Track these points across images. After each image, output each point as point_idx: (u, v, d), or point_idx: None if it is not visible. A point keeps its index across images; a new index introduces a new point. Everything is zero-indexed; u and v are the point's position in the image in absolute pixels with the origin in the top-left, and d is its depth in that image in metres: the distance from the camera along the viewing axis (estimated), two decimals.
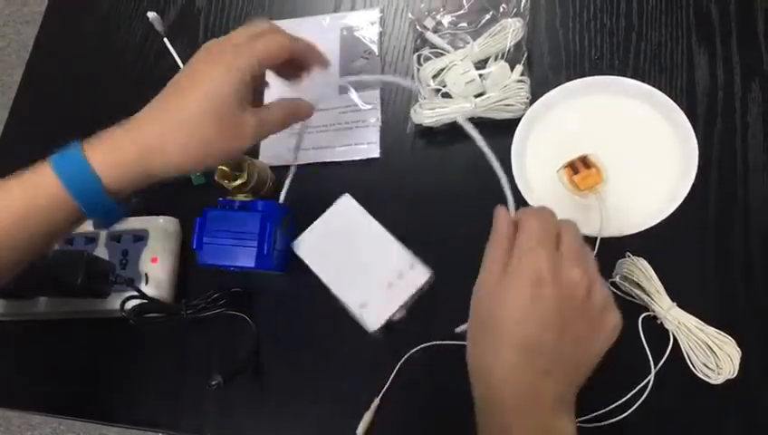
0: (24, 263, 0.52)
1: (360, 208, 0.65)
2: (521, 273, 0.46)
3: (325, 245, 0.64)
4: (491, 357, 0.47)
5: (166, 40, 0.82)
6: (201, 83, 0.52)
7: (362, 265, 0.61)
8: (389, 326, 0.60)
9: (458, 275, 0.64)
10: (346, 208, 0.65)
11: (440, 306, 0.62)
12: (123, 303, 0.61)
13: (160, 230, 0.68)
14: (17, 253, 0.51)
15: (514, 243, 0.48)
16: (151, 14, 0.82)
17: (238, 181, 0.65)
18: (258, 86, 0.58)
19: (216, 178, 0.67)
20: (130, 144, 0.51)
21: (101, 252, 0.67)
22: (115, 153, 0.50)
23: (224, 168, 0.66)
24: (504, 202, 0.53)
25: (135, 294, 0.61)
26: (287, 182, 0.67)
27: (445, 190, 0.68)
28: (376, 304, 0.60)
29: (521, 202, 0.62)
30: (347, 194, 0.65)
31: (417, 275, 0.60)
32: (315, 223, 0.65)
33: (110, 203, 0.50)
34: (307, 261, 0.63)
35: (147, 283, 0.65)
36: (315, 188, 0.68)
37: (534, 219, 0.49)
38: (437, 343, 0.61)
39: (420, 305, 0.63)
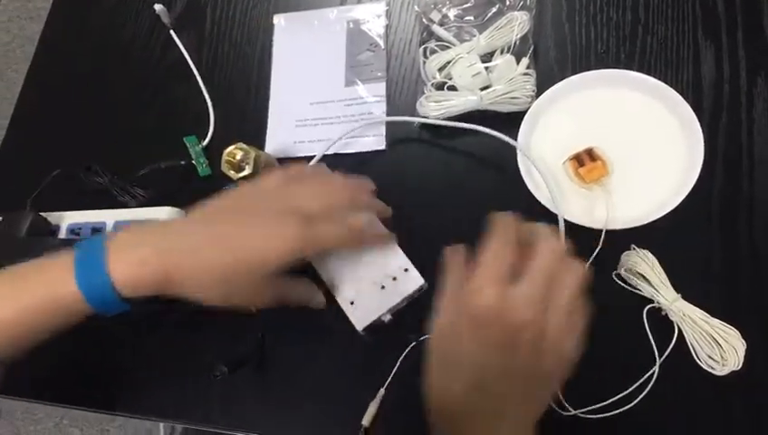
0: (22, 354, 0.52)
1: None
2: (468, 313, 0.45)
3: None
4: (445, 394, 0.48)
5: (172, 32, 0.82)
6: (249, 247, 0.51)
7: (359, 263, 0.61)
8: (375, 328, 0.61)
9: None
10: None
11: None
12: None
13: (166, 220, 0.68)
14: (17, 345, 0.52)
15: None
16: (158, 7, 0.82)
17: (244, 172, 0.66)
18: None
19: (221, 168, 0.67)
20: (156, 267, 0.50)
21: None
22: (139, 272, 0.50)
23: (230, 158, 0.66)
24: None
25: None
26: None
27: (449, 183, 0.69)
28: (365, 304, 0.60)
29: (526, 197, 0.63)
30: None
31: (410, 282, 0.60)
32: None
33: (124, 307, 0.51)
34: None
35: None
36: None
37: (489, 253, 0.47)
38: None
39: (426, 297, 0.63)
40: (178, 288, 0.51)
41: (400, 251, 0.61)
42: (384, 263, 0.60)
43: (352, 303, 0.59)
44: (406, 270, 0.60)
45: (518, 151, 0.64)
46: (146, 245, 0.51)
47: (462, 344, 0.46)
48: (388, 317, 0.59)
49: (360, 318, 0.59)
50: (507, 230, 0.48)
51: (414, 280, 0.60)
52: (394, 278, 0.60)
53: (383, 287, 0.60)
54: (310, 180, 0.57)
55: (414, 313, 0.61)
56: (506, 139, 0.64)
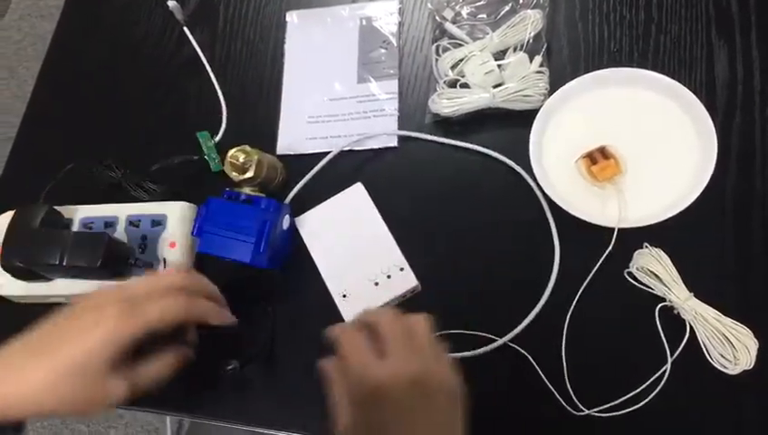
0: None
1: (369, 201, 0.65)
2: (366, 392, 0.47)
3: (326, 227, 0.65)
4: None
5: (185, 29, 0.82)
6: (73, 342, 0.49)
7: (356, 257, 0.62)
8: None
9: (472, 264, 0.65)
10: (355, 197, 0.66)
11: (453, 296, 0.62)
12: None
13: (178, 215, 0.68)
14: None
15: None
16: (171, 3, 0.82)
17: (246, 175, 0.66)
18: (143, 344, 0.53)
19: (225, 170, 0.67)
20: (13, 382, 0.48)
21: (121, 236, 0.67)
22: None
23: (233, 160, 0.66)
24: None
25: None
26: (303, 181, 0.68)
27: (461, 180, 0.69)
28: (357, 298, 0.61)
29: (539, 195, 0.63)
30: (359, 183, 0.66)
31: (404, 281, 0.61)
32: (322, 204, 0.66)
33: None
34: (305, 239, 0.65)
35: (165, 267, 0.66)
36: (331, 176, 0.69)
37: (347, 344, 0.50)
38: (453, 331, 0.61)
39: (433, 294, 0.63)
40: (16, 416, 0.49)
41: (397, 249, 0.62)
42: (380, 260, 0.61)
43: (344, 296, 0.61)
44: (401, 269, 0.61)
45: (530, 151, 0.64)
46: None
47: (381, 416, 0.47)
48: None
49: (350, 312, 0.60)
50: (350, 330, 0.52)
51: (408, 280, 0.61)
52: (389, 276, 0.61)
53: (377, 284, 0.61)
54: (138, 280, 0.55)
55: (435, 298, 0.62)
56: (511, 163, 0.67)
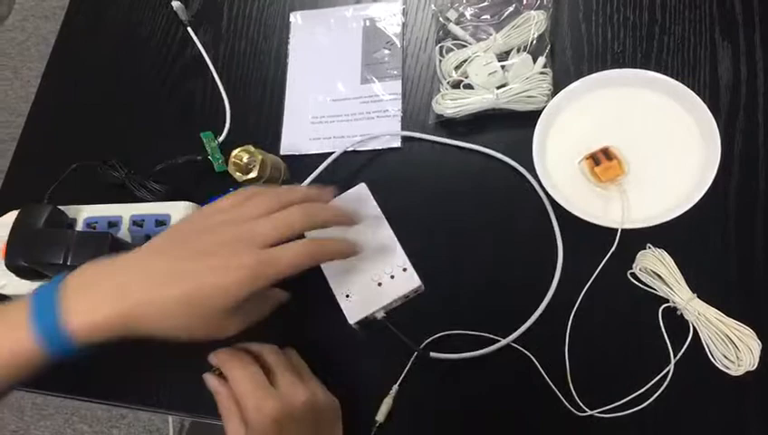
0: None
1: (373, 201, 0.65)
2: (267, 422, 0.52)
3: (331, 230, 0.63)
4: None
5: (189, 29, 0.83)
6: (206, 283, 0.50)
7: (359, 257, 0.61)
8: (368, 323, 0.61)
9: (475, 264, 0.65)
10: (359, 197, 0.65)
11: (455, 296, 0.62)
12: None
13: (182, 215, 0.68)
14: None
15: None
16: (176, 4, 0.83)
17: (249, 176, 0.66)
18: None
19: (228, 170, 0.67)
20: (112, 311, 0.49)
21: (124, 235, 0.67)
22: (94, 318, 0.48)
23: (236, 160, 0.66)
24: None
25: None
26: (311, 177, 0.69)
27: (465, 181, 0.69)
28: (360, 299, 0.61)
29: (542, 196, 0.63)
30: (363, 184, 0.66)
31: (407, 282, 0.61)
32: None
33: (87, 352, 0.50)
34: (308, 238, 0.63)
35: None
36: (334, 177, 0.69)
37: (238, 379, 0.54)
38: (457, 332, 0.62)
39: (435, 294, 0.64)
40: (136, 329, 0.49)
41: (401, 250, 0.62)
42: (384, 260, 0.61)
43: (348, 296, 0.61)
44: (404, 270, 0.61)
45: (533, 151, 0.64)
46: (99, 288, 0.50)
47: None
48: (381, 314, 0.60)
49: (353, 312, 0.60)
50: (242, 357, 0.56)
51: (411, 281, 0.61)
52: (392, 276, 0.61)
53: (380, 284, 0.61)
54: (264, 200, 0.55)
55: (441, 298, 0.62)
56: (514, 163, 0.67)
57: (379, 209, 0.65)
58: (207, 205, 0.56)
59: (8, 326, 0.49)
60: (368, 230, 0.64)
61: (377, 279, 0.61)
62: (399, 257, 0.62)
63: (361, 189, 0.66)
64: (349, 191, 0.66)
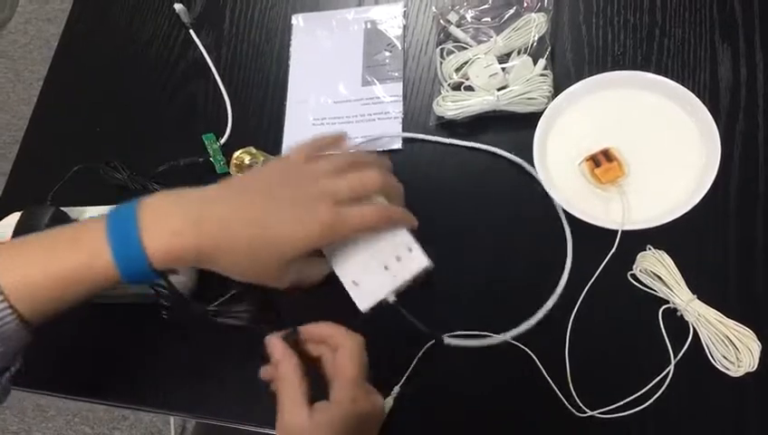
0: (50, 319, 0.52)
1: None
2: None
3: None
4: None
5: (191, 31, 0.83)
6: (279, 229, 0.52)
7: (363, 242, 0.59)
8: (381, 308, 0.59)
9: (476, 264, 0.65)
10: None
11: (458, 295, 0.63)
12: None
13: None
14: (44, 310, 0.51)
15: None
16: (178, 6, 0.83)
17: None
18: None
19: (230, 171, 0.68)
20: (189, 238, 0.50)
21: None
22: (172, 243, 0.50)
23: (238, 162, 0.67)
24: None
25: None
26: None
27: (466, 183, 0.69)
28: (369, 285, 0.58)
29: (542, 197, 0.63)
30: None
31: (414, 262, 0.58)
32: None
33: (155, 277, 0.51)
34: None
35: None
36: None
37: (356, 354, 0.53)
38: (460, 333, 0.62)
39: (445, 296, 0.64)
40: (204, 262, 0.51)
41: (405, 230, 0.59)
42: (388, 243, 0.59)
43: (356, 283, 0.58)
44: (410, 250, 0.58)
45: (534, 153, 0.64)
46: (179, 214, 0.50)
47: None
48: (392, 298, 0.58)
49: (363, 299, 0.58)
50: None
51: (418, 261, 0.58)
52: (398, 258, 0.58)
53: (386, 268, 0.58)
54: (338, 158, 0.57)
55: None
56: (518, 160, 0.67)
57: (380, 195, 0.61)
58: (280, 157, 0.58)
59: (85, 243, 0.50)
60: None
61: (383, 263, 0.58)
62: (404, 238, 0.59)
63: None
64: None
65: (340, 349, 0.53)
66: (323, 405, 0.51)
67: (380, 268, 0.58)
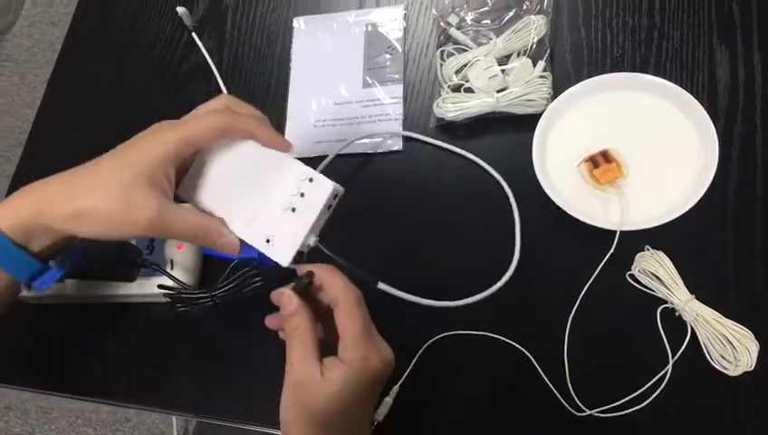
0: None
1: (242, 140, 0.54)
2: (368, 378, 0.50)
3: (212, 184, 0.55)
4: None
5: (194, 34, 0.84)
6: (120, 152, 0.51)
7: (259, 196, 0.53)
8: (302, 255, 0.54)
9: (473, 265, 0.65)
10: (227, 145, 0.55)
11: (452, 297, 0.63)
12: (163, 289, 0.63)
13: None
14: None
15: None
16: (180, 9, 0.84)
17: None
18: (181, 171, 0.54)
19: None
20: (32, 197, 0.49)
21: None
22: (16, 207, 0.49)
23: None
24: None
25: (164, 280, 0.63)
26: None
27: (466, 183, 0.70)
28: (282, 235, 0.52)
29: (541, 198, 0.63)
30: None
31: (320, 191, 0.52)
32: (194, 164, 0.56)
33: (26, 259, 0.49)
34: (199, 207, 0.55)
35: (172, 268, 0.67)
36: (337, 180, 0.69)
37: (356, 307, 0.51)
38: (459, 332, 0.62)
39: (442, 294, 0.64)
40: (54, 212, 0.48)
41: (296, 162, 0.53)
42: (284, 182, 0.53)
43: (268, 241, 0.53)
44: (311, 180, 0.52)
45: (533, 154, 0.65)
46: (28, 189, 0.50)
47: (358, 408, 0.50)
48: (313, 239, 0.52)
49: (282, 253, 0.52)
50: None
51: (323, 187, 0.52)
52: (302, 194, 0.52)
53: (294, 210, 0.52)
54: None
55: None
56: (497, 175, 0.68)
57: (250, 141, 0.54)
58: None
59: None
60: (252, 164, 0.54)
61: (288, 206, 0.52)
62: (300, 170, 0.53)
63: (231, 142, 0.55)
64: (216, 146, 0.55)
65: (338, 306, 0.51)
66: (334, 363, 0.49)
67: (288, 213, 0.52)
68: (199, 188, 0.55)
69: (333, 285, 0.52)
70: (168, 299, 0.64)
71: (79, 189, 0.49)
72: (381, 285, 0.55)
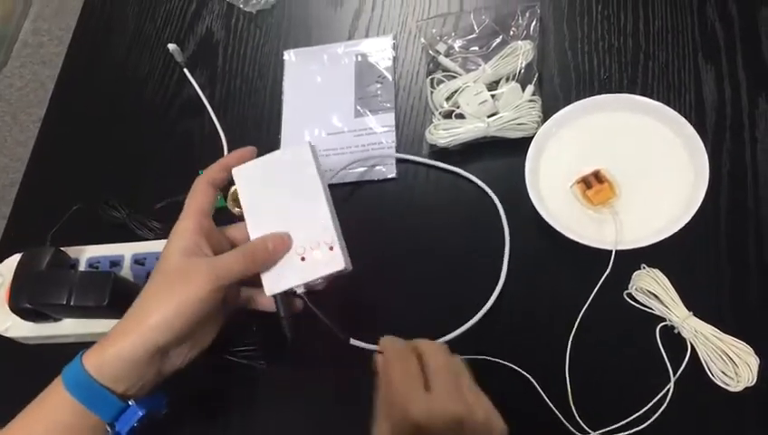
0: None
1: (313, 166, 0.57)
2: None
3: (265, 184, 0.58)
4: None
5: (186, 70, 0.84)
6: (162, 258, 0.54)
7: (286, 226, 0.56)
8: (287, 295, 0.57)
9: (471, 289, 0.65)
10: (298, 158, 0.58)
11: (448, 321, 0.63)
12: None
13: None
14: None
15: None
16: (171, 46, 0.85)
17: None
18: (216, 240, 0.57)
19: (227, 205, 0.68)
20: (111, 334, 0.52)
21: (126, 274, 0.68)
22: (101, 346, 0.52)
23: (235, 196, 0.67)
24: None
25: None
26: None
27: (460, 209, 0.70)
28: (280, 270, 0.55)
29: (536, 221, 0.64)
30: (309, 142, 0.59)
31: (332, 262, 0.55)
32: (264, 157, 0.59)
33: (119, 403, 0.52)
34: (241, 195, 0.58)
35: None
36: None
37: (397, 363, 0.51)
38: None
39: (431, 319, 0.64)
40: (131, 342, 0.51)
41: (331, 225, 0.56)
42: (312, 233, 0.56)
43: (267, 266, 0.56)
44: (331, 248, 0.55)
45: (526, 177, 0.65)
46: (106, 336, 0.52)
47: None
48: (301, 289, 0.55)
49: (272, 283, 0.55)
50: (403, 351, 0.52)
51: (336, 261, 0.55)
52: (317, 253, 0.55)
53: (303, 259, 0.55)
54: None
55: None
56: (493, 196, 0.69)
57: (317, 177, 0.57)
58: None
59: (49, 400, 0.52)
60: (300, 197, 0.57)
61: (301, 252, 0.55)
62: (328, 234, 0.55)
63: (303, 149, 0.58)
64: (291, 147, 0.59)
65: (432, 358, 0.51)
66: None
67: (297, 258, 0.55)
68: (252, 185, 0.58)
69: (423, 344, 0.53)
70: None
71: (145, 309, 0.52)
72: (354, 342, 0.57)
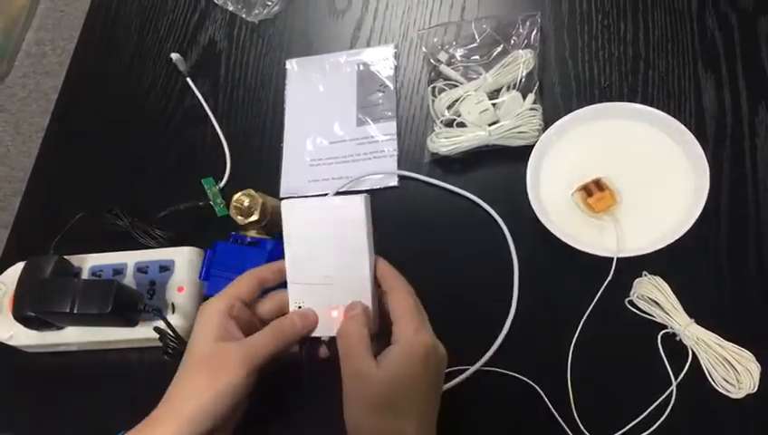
0: None
1: (363, 227, 0.54)
2: (418, 353, 0.50)
3: (310, 229, 0.56)
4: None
5: (188, 79, 0.85)
6: (192, 342, 0.54)
7: (327, 277, 0.55)
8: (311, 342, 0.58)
9: (472, 299, 0.66)
10: (350, 214, 0.54)
11: (451, 331, 0.63)
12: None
13: (186, 260, 0.70)
14: None
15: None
16: (174, 56, 0.85)
17: (251, 219, 0.67)
18: (245, 320, 0.56)
19: (230, 213, 0.68)
20: (150, 426, 0.52)
21: (129, 282, 0.69)
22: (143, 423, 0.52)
23: (238, 204, 0.68)
24: None
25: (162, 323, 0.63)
26: None
27: (461, 217, 0.70)
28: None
29: (537, 228, 0.64)
30: (365, 196, 0.55)
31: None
32: (315, 200, 0.60)
33: None
34: (286, 234, 0.56)
35: (174, 311, 0.67)
36: None
37: (406, 291, 0.54)
38: (461, 368, 0.62)
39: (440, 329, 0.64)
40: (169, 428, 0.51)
41: (370, 293, 0.55)
42: (350, 295, 0.55)
43: (299, 307, 0.56)
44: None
45: (527, 185, 0.65)
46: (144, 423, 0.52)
47: (416, 383, 0.50)
48: (326, 339, 0.56)
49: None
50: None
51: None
52: (339, 312, 0.56)
53: (331, 317, 0.56)
54: None
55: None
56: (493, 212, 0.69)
57: (365, 236, 0.54)
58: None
59: None
60: (344, 252, 0.55)
61: (334, 308, 0.55)
62: (365, 296, 0.55)
63: (357, 202, 0.54)
64: (346, 196, 0.56)
65: (392, 290, 0.54)
66: (387, 349, 0.51)
67: (329, 312, 0.56)
68: (297, 223, 0.56)
69: (385, 274, 0.55)
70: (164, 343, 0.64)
71: (182, 399, 0.52)
72: None
